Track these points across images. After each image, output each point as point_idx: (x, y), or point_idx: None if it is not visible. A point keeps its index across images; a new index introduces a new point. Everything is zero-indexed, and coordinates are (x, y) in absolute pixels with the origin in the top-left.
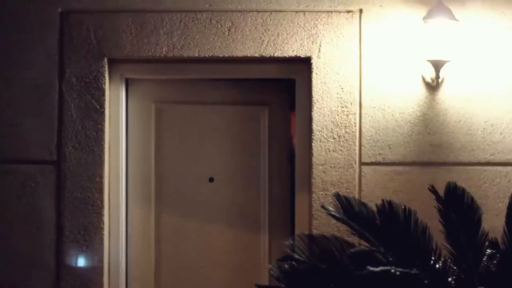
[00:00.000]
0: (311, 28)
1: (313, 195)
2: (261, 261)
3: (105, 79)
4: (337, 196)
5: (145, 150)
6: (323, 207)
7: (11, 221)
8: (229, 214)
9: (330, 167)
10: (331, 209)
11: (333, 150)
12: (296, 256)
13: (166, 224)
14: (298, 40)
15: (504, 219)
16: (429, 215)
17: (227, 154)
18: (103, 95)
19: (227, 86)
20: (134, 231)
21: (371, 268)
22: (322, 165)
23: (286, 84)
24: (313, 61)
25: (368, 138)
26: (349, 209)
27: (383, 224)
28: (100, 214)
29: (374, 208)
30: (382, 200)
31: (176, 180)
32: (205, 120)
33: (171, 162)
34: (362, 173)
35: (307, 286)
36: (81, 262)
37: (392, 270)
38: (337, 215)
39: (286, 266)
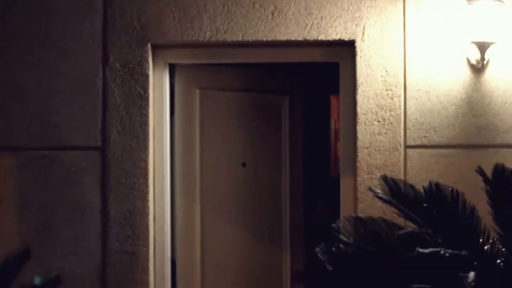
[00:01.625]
0: (354, 11)
1: (358, 179)
2: (283, 229)
3: (148, 65)
4: (384, 178)
5: (189, 135)
6: (370, 189)
7: (57, 207)
8: (259, 196)
9: (375, 150)
10: (378, 191)
11: (378, 133)
12: (344, 239)
13: (210, 208)
14: (342, 23)
15: None
16: (475, 198)
17: (257, 140)
18: (147, 80)
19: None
20: (179, 216)
21: (420, 250)
22: (367, 148)
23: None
24: (357, 44)
25: (413, 120)
26: (396, 191)
27: (431, 206)
28: (145, 199)
29: (421, 190)
30: (430, 182)
31: (216, 164)
32: (240, 107)
33: (212, 148)
34: (407, 156)
35: (355, 269)
36: (127, 247)
37: (442, 252)
38: (384, 197)
39: (333, 249)
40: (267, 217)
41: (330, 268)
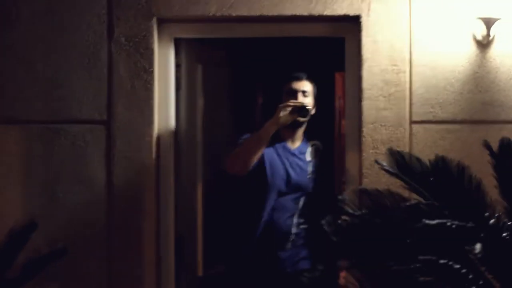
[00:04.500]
0: None
1: (363, 154)
2: None
3: (154, 39)
4: (391, 151)
5: (193, 110)
6: (376, 162)
7: (63, 180)
8: None
9: (380, 125)
10: (384, 164)
11: (383, 109)
12: (350, 211)
13: (211, 182)
14: None
15: None
16: (480, 173)
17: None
18: (152, 54)
19: None
20: (184, 190)
21: (427, 221)
22: (372, 123)
23: None
24: (363, 19)
25: (418, 96)
26: (402, 164)
27: (437, 179)
28: (150, 174)
29: (427, 164)
30: (436, 155)
31: (214, 140)
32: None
33: (212, 123)
34: (413, 132)
35: (361, 241)
36: (132, 221)
37: (448, 223)
38: (390, 170)
39: (339, 221)
40: None
41: (335, 240)
